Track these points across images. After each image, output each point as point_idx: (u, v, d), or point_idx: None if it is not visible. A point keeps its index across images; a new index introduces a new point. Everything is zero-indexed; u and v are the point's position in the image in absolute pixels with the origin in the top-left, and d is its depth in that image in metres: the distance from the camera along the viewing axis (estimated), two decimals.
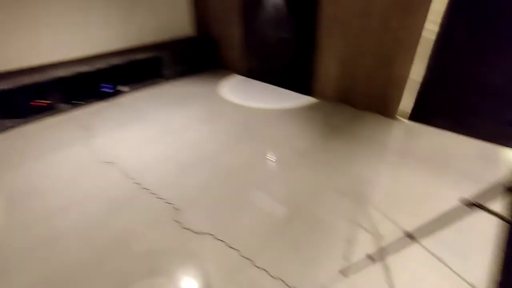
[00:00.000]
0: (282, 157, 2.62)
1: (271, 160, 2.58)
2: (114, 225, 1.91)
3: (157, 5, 4.36)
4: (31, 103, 3.31)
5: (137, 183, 2.28)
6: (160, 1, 4.36)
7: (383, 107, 3.26)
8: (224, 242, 1.76)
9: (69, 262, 1.66)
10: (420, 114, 3.10)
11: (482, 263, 1.58)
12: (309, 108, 3.60)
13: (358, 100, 3.46)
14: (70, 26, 3.60)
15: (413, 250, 1.62)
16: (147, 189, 2.22)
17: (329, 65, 3.54)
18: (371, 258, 1.60)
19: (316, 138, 2.90)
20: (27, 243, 1.79)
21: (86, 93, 3.77)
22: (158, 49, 4.37)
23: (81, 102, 3.69)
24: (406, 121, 3.21)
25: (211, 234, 1.82)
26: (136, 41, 4.31)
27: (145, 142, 2.90)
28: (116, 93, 3.96)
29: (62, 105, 3.57)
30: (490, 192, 0.88)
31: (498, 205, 0.90)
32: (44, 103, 3.40)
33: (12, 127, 3.21)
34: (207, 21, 4.95)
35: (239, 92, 4.07)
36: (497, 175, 2.28)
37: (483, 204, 0.92)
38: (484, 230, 1.72)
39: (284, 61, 3.97)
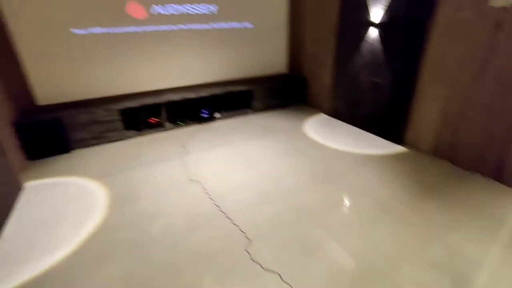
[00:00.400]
0: (361, 206, 2.45)
1: (348, 207, 2.43)
2: (191, 241, 2.08)
3: (259, 45, 4.85)
4: (148, 120, 4.03)
5: (216, 206, 2.46)
6: (262, 41, 4.85)
7: (498, 171, 2.74)
8: (290, 286, 1.71)
9: (152, 262, 1.88)
10: None
11: None
12: (398, 158, 3.30)
13: (462, 157, 3.01)
14: (180, 60, 4.32)
15: None
16: (224, 213, 2.37)
17: (428, 114, 3.24)
18: None
19: (403, 193, 2.61)
20: (122, 239, 2.12)
21: (188, 116, 4.38)
22: (251, 83, 4.81)
23: (183, 123, 4.29)
24: None
25: (278, 274, 1.79)
26: (235, 75, 4.84)
27: (229, 167, 3.14)
28: (211, 118, 4.47)
29: (168, 124, 4.22)
30: None
31: None
32: (156, 120, 4.10)
33: (131, 137, 3.95)
34: (300, 60, 5.23)
35: (323, 131, 4.06)
36: None
37: None
38: None
39: (375, 106, 3.82)
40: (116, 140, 3.85)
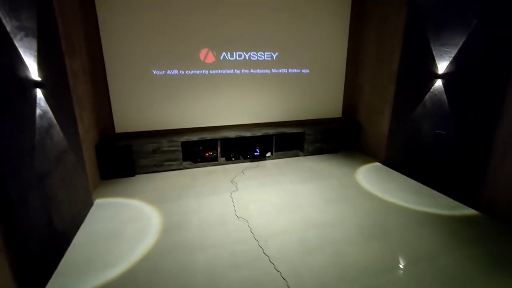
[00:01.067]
0: (419, 275, 2.17)
1: (403, 273, 2.19)
2: (231, 279, 2.08)
3: (315, 89, 5.02)
4: (205, 153, 4.34)
5: (260, 247, 2.45)
6: (318, 86, 5.01)
7: None
8: None
9: None
10: None
11: None
12: (466, 222, 2.91)
13: None
14: (239, 101, 4.65)
15: None
16: (268, 256, 2.33)
17: (509, 172, 2.86)
18: None
19: (471, 267, 2.26)
20: (168, 266, 2.21)
21: (241, 152, 4.60)
22: (305, 125, 4.91)
23: (235, 159, 4.50)
24: None
25: None
26: (289, 117, 5.01)
27: (275, 208, 3.14)
28: (262, 157, 4.61)
29: (222, 158, 4.47)
30: None
31: None
32: (211, 154, 4.39)
33: (187, 167, 4.27)
34: (355, 106, 5.21)
35: (378, 181, 3.85)
36: None
37: None
38: None
39: (438, 159, 3.53)
40: (174, 170, 4.19)
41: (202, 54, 4.25)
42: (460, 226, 2.81)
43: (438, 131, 3.53)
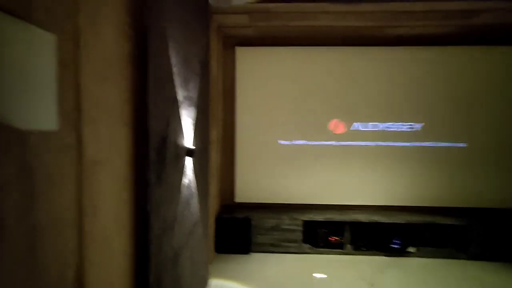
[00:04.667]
0: None
1: None
2: None
3: (476, 168, 3.82)
4: (329, 238, 3.60)
5: None
6: (479, 163, 3.82)
7: None
8: None
9: None
10: None
11: None
12: None
13: None
14: (372, 177, 3.87)
15: None
16: None
17: None
18: None
19: None
20: None
21: (374, 242, 3.64)
22: (466, 216, 3.63)
23: (367, 250, 3.56)
24: None
25: None
26: (440, 202, 3.85)
27: None
28: (402, 251, 3.51)
29: (349, 247, 3.60)
30: None
31: None
32: (337, 239, 3.60)
33: (308, 252, 3.57)
34: None
35: None
36: None
37: None
38: None
39: None
40: (292, 253, 3.56)
41: (332, 124, 3.90)
42: None
43: None
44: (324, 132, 3.91)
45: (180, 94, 1.91)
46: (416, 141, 3.85)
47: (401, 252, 3.52)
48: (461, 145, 3.83)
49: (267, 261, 3.36)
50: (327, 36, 3.65)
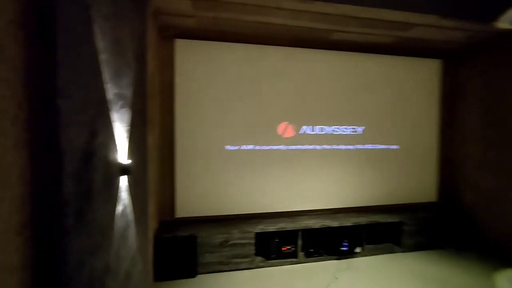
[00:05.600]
0: None
1: None
2: None
3: (406, 168, 4.19)
4: (282, 248, 3.42)
5: None
6: (409, 164, 4.20)
7: None
8: None
9: None
10: None
11: None
12: None
13: None
14: (322, 180, 3.89)
15: None
16: None
17: None
18: None
19: None
20: None
21: (324, 246, 3.62)
22: (398, 212, 3.94)
23: (318, 255, 3.50)
24: None
25: None
26: (378, 201, 4.10)
27: None
28: (349, 253, 3.57)
29: (302, 254, 3.49)
30: None
31: None
32: (289, 248, 3.45)
33: (260, 266, 3.31)
34: (458, 189, 4.23)
35: None
36: None
37: None
38: None
39: None
40: (244, 269, 3.25)
41: (281, 127, 3.74)
42: None
43: None
44: (273, 136, 3.72)
45: (110, 92, 1.39)
46: (359, 144, 4.00)
47: (349, 254, 3.58)
48: (395, 147, 4.15)
49: (216, 283, 2.98)
50: (278, 35, 3.45)
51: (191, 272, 3.08)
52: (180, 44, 3.39)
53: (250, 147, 3.65)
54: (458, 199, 4.24)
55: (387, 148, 4.11)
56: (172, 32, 3.33)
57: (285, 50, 3.70)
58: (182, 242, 3.07)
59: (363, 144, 4.01)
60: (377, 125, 4.05)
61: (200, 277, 3.09)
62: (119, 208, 1.50)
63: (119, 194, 1.51)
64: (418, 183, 4.26)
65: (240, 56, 3.56)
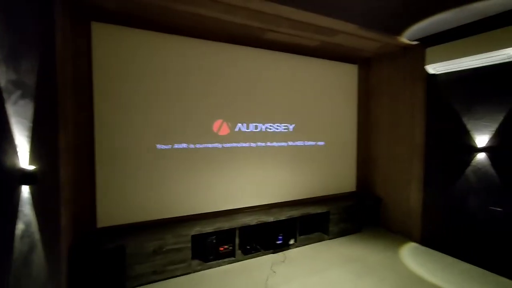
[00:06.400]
0: None
1: None
2: None
3: (331, 163, 4.60)
4: (220, 248, 3.33)
5: None
6: (333, 159, 4.62)
7: None
8: None
9: None
10: None
11: None
12: None
13: None
14: (257, 177, 3.96)
15: None
16: None
17: None
18: None
19: None
20: None
21: (260, 242, 3.68)
22: (323, 202, 4.31)
23: (255, 251, 3.55)
24: None
25: None
26: (307, 194, 4.40)
27: None
28: (284, 245, 3.73)
29: (239, 252, 3.47)
30: None
31: None
32: (227, 248, 3.39)
33: (198, 270, 3.16)
34: (372, 179, 4.86)
35: (432, 269, 3.23)
36: None
37: None
38: None
39: (498, 239, 3.11)
40: (180, 275, 3.05)
41: (216, 125, 3.63)
42: None
43: (492, 208, 3.20)
44: (207, 134, 3.58)
45: (3, 78, 1.08)
46: (290, 141, 4.20)
47: (284, 246, 3.74)
48: (321, 143, 4.50)
49: None
50: (212, 30, 3.32)
51: (119, 287, 2.73)
52: (98, 28, 2.93)
53: (183, 145, 3.44)
54: (372, 188, 4.88)
55: (315, 145, 4.44)
56: (88, 13, 2.85)
57: (220, 46, 3.60)
58: (107, 255, 2.70)
59: (294, 141, 4.24)
60: (306, 123, 4.32)
61: None
62: (20, 226, 1.18)
63: (19, 209, 1.19)
64: (341, 175, 4.74)
65: (171, 48, 3.30)
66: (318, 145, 4.47)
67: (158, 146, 3.29)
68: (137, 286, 2.83)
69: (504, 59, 2.97)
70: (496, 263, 3.16)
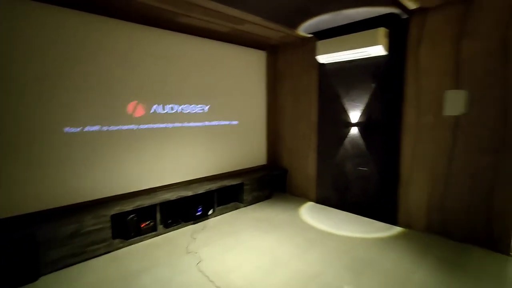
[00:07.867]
0: None
1: None
2: None
3: (244, 140, 5.15)
4: (141, 225, 3.50)
5: None
6: (246, 136, 5.17)
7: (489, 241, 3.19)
8: None
9: None
10: None
11: None
12: (401, 238, 3.54)
13: (456, 231, 3.44)
14: (174, 156, 4.20)
15: None
16: None
17: (413, 196, 3.74)
18: None
19: (437, 274, 2.73)
20: None
21: (181, 215, 3.99)
22: (238, 176, 4.87)
23: (177, 224, 3.85)
24: None
25: None
26: (224, 169, 4.86)
27: (258, 269, 2.82)
28: (203, 216, 4.14)
29: (161, 227, 3.71)
30: None
31: None
32: (148, 223, 3.58)
33: (120, 247, 3.28)
34: (279, 153, 5.65)
35: (323, 219, 4.17)
36: None
37: None
38: None
39: (364, 191, 4.23)
40: (102, 254, 3.13)
41: (131, 107, 3.64)
42: (401, 242, 3.38)
43: (360, 168, 4.28)
44: (121, 116, 3.58)
45: None
46: (206, 121, 4.52)
47: (203, 217, 4.14)
48: (235, 123, 4.97)
49: (68, 279, 2.74)
50: (123, 9, 3.24)
51: (31, 275, 2.67)
52: None
53: (95, 128, 3.37)
54: (280, 160, 5.69)
55: (229, 124, 4.88)
56: None
57: (133, 27, 3.56)
58: (13, 245, 2.57)
59: (210, 121, 4.58)
60: (220, 104, 4.70)
61: (44, 278, 2.73)
62: None
63: None
64: (253, 151, 5.37)
65: (79, 27, 3.12)
66: (232, 124, 4.93)
67: (66, 129, 3.15)
68: (53, 271, 2.81)
69: (366, 55, 3.92)
70: (364, 209, 4.30)
